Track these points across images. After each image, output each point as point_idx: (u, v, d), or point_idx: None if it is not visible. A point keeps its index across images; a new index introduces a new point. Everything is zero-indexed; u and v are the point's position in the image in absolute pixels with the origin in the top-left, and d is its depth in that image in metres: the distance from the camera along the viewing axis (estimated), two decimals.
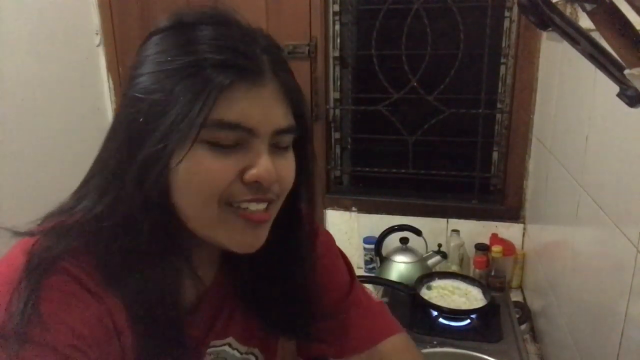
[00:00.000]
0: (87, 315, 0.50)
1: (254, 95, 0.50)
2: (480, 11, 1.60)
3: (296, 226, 0.65)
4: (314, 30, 1.69)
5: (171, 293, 0.55)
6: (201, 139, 0.49)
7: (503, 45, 1.64)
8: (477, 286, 1.35)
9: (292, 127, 0.55)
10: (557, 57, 1.31)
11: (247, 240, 0.55)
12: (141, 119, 0.50)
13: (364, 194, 1.84)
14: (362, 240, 1.78)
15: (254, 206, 0.54)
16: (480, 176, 1.72)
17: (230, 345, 0.67)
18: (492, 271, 1.54)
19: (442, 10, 1.62)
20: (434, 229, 1.70)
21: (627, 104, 0.39)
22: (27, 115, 1.50)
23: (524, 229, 1.67)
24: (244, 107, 0.50)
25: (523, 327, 1.36)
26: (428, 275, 1.42)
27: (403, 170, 1.80)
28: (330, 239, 0.82)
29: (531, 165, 1.62)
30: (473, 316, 1.25)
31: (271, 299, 0.67)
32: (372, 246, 1.70)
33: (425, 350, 1.01)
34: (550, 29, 0.39)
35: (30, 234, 0.53)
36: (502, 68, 1.67)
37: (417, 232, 1.61)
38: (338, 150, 1.89)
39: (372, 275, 1.70)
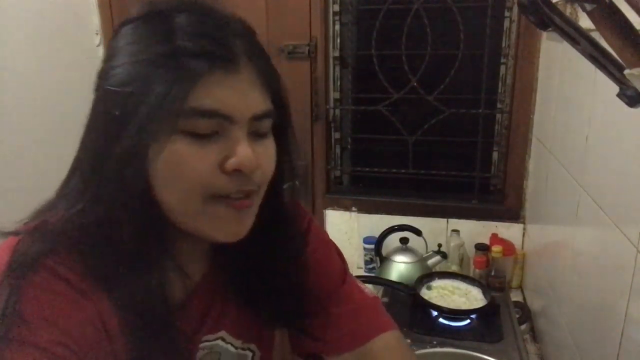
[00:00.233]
0: (74, 314, 0.49)
1: (229, 82, 0.50)
2: (480, 11, 1.60)
3: (280, 216, 0.65)
4: (314, 30, 1.69)
5: (158, 289, 0.54)
6: (179, 129, 0.49)
7: (503, 45, 1.64)
8: (477, 286, 1.35)
9: (269, 112, 0.54)
10: (557, 57, 1.31)
11: (231, 228, 0.55)
12: (117, 112, 0.49)
13: (364, 194, 1.84)
14: (362, 240, 1.78)
15: (237, 195, 0.53)
16: (480, 176, 1.72)
17: (223, 339, 0.67)
18: (492, 271, 1.54)
19: (442, 10, 1.62)
20: (434, 229, 1.70)
21: (627, 104, 0.39)
22: (26, 115, 1.50)
23: (524, 229, 1.67)
24: (221, 94, 0.49)
25: (523, 327, 1.36)
26: (428, 275, 1.42)
27: (403, 170, 1.80)
28: (323, 231, 0.82)
29: (531, 165, 1.62)
30: (473, 316, 1.25)
31: (262, 291, 0.66)
32: (372, 246, 1.70)
33: (425, 351, 1.01)
34: (550, 29, 0.39)
35: (15, 233, 0.52)
36: (502, 68, 1.67)
37: (417, 232, 1.61)
38: (338, 150, 1.89)
39: (372, 275, 1.70)
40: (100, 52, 1.81)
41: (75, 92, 1.69)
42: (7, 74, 1.43)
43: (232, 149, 0.51)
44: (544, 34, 1.48)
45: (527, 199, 1.65)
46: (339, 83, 1.82)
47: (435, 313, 1.26)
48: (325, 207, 1.84)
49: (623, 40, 0.36)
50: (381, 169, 1.83)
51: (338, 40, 1.78)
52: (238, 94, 0.50)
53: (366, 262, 1.78)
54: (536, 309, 1.42)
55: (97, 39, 1.79)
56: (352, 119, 1.88)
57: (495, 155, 1.76)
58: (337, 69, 1.80)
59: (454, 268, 1.60)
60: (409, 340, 1.18)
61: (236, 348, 0.69)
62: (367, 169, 1.86)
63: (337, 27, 1.77)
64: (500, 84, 1.69)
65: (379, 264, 1.66)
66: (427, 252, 1.63)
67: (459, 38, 1.62)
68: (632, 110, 0.41)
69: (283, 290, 0.67)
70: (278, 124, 0.57)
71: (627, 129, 0.78)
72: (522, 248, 1.66)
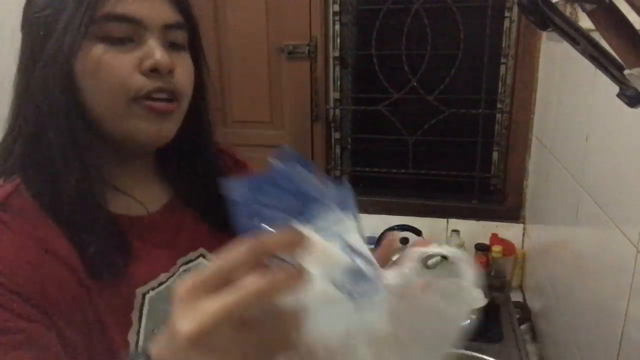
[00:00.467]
0: (12, 240, 0.52)
1: None
2: (480, 11, 1.60)
3: (202, 131, 0.69)
4: (314, 30, 1.69)
5: (92, 198, 0.56)
6: (95, 36, 0.53)
7: (503, 45, 1.64)
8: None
9: (181, 24, 0.59)
10: (557, 57, 1.31)
11: (152, 128, 0.58)
12: (41, 32, 0.54)
13: (364, 194, 1.84)
14: None
15: (157, 95, 0.56)
16: (480, 176, 1.72)
17: (203, 256, 0.69)
18: (492, 271, 1.54)
19: (442, 10, 1.62)
20: (434, 229, 1.70)
21: (627, 104, 0.39)
22: None
23: (524, 229, 1.67)
24: (131, 2, 0.54)
25: (523, 327, 1.36)
26: None
27: (403, 170, 1.80)
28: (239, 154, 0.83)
29: (531, 165, 1.62)
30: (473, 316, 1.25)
31: (209, 202, 0.68)
32: (372, 246, 1.69)
33: None
34: (550, 29, 0.39)
35: None
36: (502, 68, 1.67)
37: (417, 232, 1.61)
38: (338, 150, 1.89)
39: None
40: None
41: None
42: (7, 74, 1.43)
43: (147, 52, 0.55)
44: (544, 34, 1.48)
45: (527, 199, 1.65)
46: (339, 83, 1.82)
47: None
48: None
49: (623, 40, 0.36)
50: (381, 169, 1.83)
51: (338, 40, 1.78)
52: (148, 3, 0.55)
53: None
54: (536, 309, 1.41)
55: None
56: (352, 119, 1.88)
57: (495, 155, 1.76)
58: (337, 69, 1.80)
59: None
60: None
61: None
62: (367, 169, 1.86)
63: (337, 27, 1.76)
64: (500, 84, 1.69)
65: None
66: None
67: (459, 38, 1.62)
68: (632, 110, 0.41)
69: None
70: (191, 40, 0.62)
71: (627, 129, 0.78)
72: (522, 248, 1.66)
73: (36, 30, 0.55)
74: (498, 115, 1.71)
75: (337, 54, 1.79)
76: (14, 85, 0.58)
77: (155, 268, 0.62)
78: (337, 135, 1.87)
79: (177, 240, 0.66)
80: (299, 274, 0.34)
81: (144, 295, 0.59)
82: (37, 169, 0.55)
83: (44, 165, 0.54)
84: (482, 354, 0.96)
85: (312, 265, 0.36)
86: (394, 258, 0.49)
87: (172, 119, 0.60)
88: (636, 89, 0.37)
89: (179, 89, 0.58)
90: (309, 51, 1.70)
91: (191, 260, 0.67)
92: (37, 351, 0.48)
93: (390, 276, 0.42)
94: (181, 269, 0.65)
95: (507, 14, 1.63)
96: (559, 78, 1.28)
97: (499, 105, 1.70)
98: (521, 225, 1.67)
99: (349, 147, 1.90)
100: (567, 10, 0.92)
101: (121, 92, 0.55)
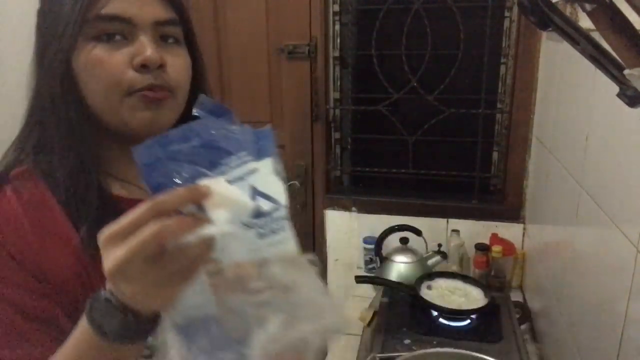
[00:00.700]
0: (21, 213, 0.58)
1: None
2: (480, 11, 1.60)
3: None
4: (314, 30, 1.69)
5: (89, 180, 0.60)
6: (90, 35, 0.57)
7: (503, 45, 1.64)
8: (477, 286, 1.35)
9: (173, 20, 0.61)
10: (557, 57, 1.31)
11: (145, 115, 0.60)
12: (45, 34, 0.60)
13: (364, 194, 1.84)
14: (362, 240, 1.78)
15: (148, 90, 0.59)
16: (480, 176, 1.72)
17: None
18: (492, 271, 1.54)
19: (442, 10, 1.62)
20: (434, 229, 1.70)
21: (627, 104, 0.39)
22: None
23: (524, 229, 1.67)
24: (120, 3, 0.57)
25: (523, 327, 1.36)
26: (428, 275, 1.42)
27: (403, 170, 1.80)
28: None
29: (531, 165, 1.62)
30: (473, 316, 1.25)
31: None
32: (372, 246, 1.70)
33: (425, 351, 1.01)
34: (550, 29, 0.39)
35: None
36: (502, 68, 1.67)
37: (417, 232, 1.61)
38: (338, 150, 1.89)
39: (372, 275, 1.70)
40: None
41: None
42: (7, 74, 1.43)
43: (138, 49, 0.58)
44: (544, 34, 1.48)
45: (527, 199, 1.65)
46: (339, 83, 1.82)
47: (435, 313, 1.26)
48: (325, 207, 1.84)
49: (623, 40, 0.36)
50: (381, 169, 1.83)
51: (338, 40, 1.78)
52: (137, 3, 0.58)
53: (366, 262, 1.79)
54: (536, 309, 1.42)
55: None
56: (352, 119, 1.88)
57: (495, 155, 1.76)
58: (337, 69, 1.80)
59: (454, 268, 1.60)
60: (408, 340, 1.18)
61: None
62: (367, 169, 1.86)
63: (337, 27, 1.77)
64: (500, 84, 1.69)
65: (379, 264, 1.66)
66: (427, 252, 1.63)
67: (459, 38, 1.62)
68: (632, 110, 0.41)
69: None
70: (186, 34, 0.64)
71: (627, 129, 0.78)
72: (522, 248, 1.66)
73: (42, 32, 0.61)
74: (498, 115, 1.72)
75: (337, 54, 1.79)
76: (29, 82, 0.63)
77: None
78: (337, 135, 1.87)
79: None
80: (193, 221, 0.42)
81: None
82: (44, 155, 0.61)
83: (48, 152, 0.60)
84: (482, 354, 0.96)
85: (220, 210, 0.43)
86: None
87: (167, 107, 0.61)
88: (636, 89, 0.37)
89: (171, 83, 0.61)
90: (309, 51, 1.70)
91: None
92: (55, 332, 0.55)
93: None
94: None
95: (507, 14, 1.63)
96: (559, 78, 1.28)
97: (499, 105, 1.71)
98: (521, 225, 1.67)
99: (349, 147, 1.90)
100: (567, 10, 0.92)
101: (115, 87, 0.58)
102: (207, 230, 0.42)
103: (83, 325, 0.48)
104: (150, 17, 0.59)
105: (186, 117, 0.64)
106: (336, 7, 1.74)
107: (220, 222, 0.43)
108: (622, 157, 0.80)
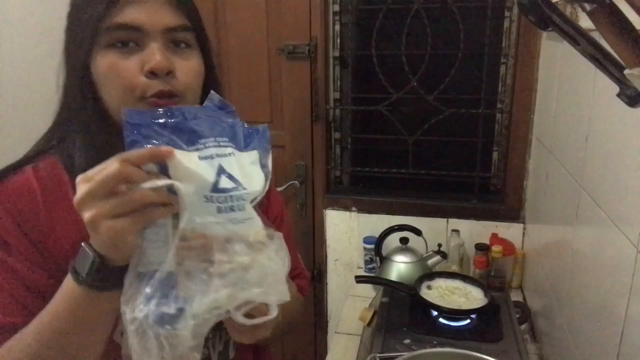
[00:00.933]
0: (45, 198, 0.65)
1: (140, 3, 0.61)
2: (480, 11, 1.60)
3: None
4: (314, 30, 1.69)
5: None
6: (104, 43, 0.61)
7: (503, 45, 1.64)
8: (477, 286, 1.35)
9: (184, 26, 0.64)
10: (557, 57, 1.31)
11: None
12: (67, 43, 0.66)
13: (364, 194, 1.84)
14: (362, 240, 1.78)
15: (158, 99, 0.63)
16: (480, 176, 1.72)
17: None
18: (492, 271, 1.54)
19: (442, 10, 1.62)
20: (434, 229, 1.70)
21: (627, 104, 0.39)
22: (26, 117, 1.50)
23: (524, 229, 1.67)
24: (132, 12, 0.61)
25: (523, 327, 1.36)
26: (428, 275, 1.42)
27: (403, 170, 1.80)
28: (285, 210, 0.93)
29: (531, 165, 1.62)
30: (473, 316, 1.25)
31: None
32: (372, 246, 1.70)
33: (425, 351, 1.01)
34: (550, 29, 0.39)
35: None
36: (502, 68, 1.67)
37: (417, 232, 1.61)
38: (338, 150, 1.89)
39: (372, 275, 1.70)
40: None
41: None
42: (7, 75, 1.43)
43: (148, 56, 0.61)
44: (544, 34, 1.48)
45: (527, 199, 1.65)
46: (339, 83, 1.82)
47: (435, 313, 1.26)
48: (325, 207, 1.84)
49: (623, 40, 0.36)
50: (381, 169, 1.83)
51: (338, 40, 1.78)
52: (149, 11, 0.61)
53: (366, 262, 1.79)
54: (536, 309, 1.42)
55: None
56: (352, 119, 1.88)
57: (495, 155, 1.76)
58: (337, 69, 1.81)
59: (454, 268, 1.60)
60: (408, 340, 1.18)
61: None
62: (367, 169, 1.86)
63: (337, 27, 1.77)
64: (500, 84, 1.69)
65: (379, 264, 1.66)
66: (427, 252, 1.63)
67: (459, 38, 1.62)
68: (632, 110, 0.41)
69: None
70: (198, 38, 0.67)
71: (627, 129, 0.78)
72: (522, 248, 1.66)
73: (67, 36, 0.66)
74: (498, 115, 1.72)
75: (337, 54, 1.79)
76: (58, 81, 0.69)
77: None
78: (337, 135, 1.87)
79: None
80: (149, 174, 0.50)
81: None
82: (67, 148, 0.66)
83: (71, 145, 0.66)
84: (482, 354, 0.95)
85: (183, 179, 0.50)
86: None
87: None
88: (636, 89, 0.37)
89: (179, 88, 0.63)
90: (309, 51, 1.70)
91: None
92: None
93: None
94: None
95: (507, 14, 1.63)
96: (559, 78, 1.28)
97: (499, 105, 1.71)
98: (521, 225, 1.67)
99: (349, 147, 1.90)
100: (567, 10, 0.92)
101: (128, 92, 0.61)
102: (159, 182, 0.50)
103: (67, 278, 0.56)
104: (161, 24, 0.62)
105: None
106: (336, 7, 1.74)
107: (181, 188, 0.50)
108: (622, 157, 0.80)
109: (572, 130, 1.10)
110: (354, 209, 1.81)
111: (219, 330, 0.77)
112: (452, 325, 1.25)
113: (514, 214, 1.68)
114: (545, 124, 1.45)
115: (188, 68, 0.65)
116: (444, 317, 1.26)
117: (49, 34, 1.58)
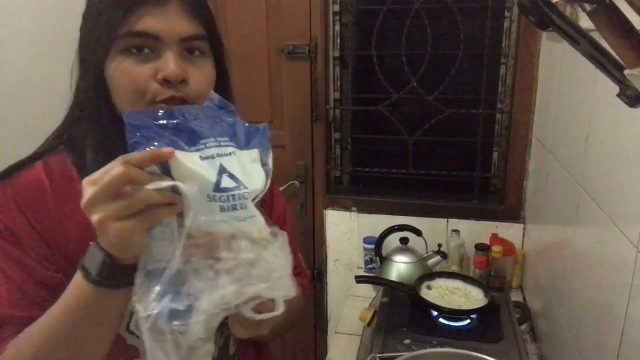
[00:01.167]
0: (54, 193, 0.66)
1: (157, 11, 0.62)
2: (480, 11, 1.60)
3: None
4: (314, 30, 1.69)
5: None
6: (120, 49, 0.62)
7: (503, 45, 1.64)
8: (477, 286, 1.35)
9: (199, 35, 0.65)
10: (557, 57, 1.31)
11: None
12: (82, 47, 0.66)
13: (364, 194, 1.84)
14: (362, 240, 1.78)
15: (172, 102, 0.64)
16: (480, 176, 1.72)
17: None
18: (492, 271, 1.54)
19: (442, 10, 1.62)
20: (434, 229, 1.70)
21: (627, 104, 0.39)
22: (27, 116, 1.50)
23: (524, 229, 1.67)
24: (149, 20, 0.61)
25: (523, 327, 1.36)
26: (428, 275, 1.42)
27: (403, 170, 1.80)
28: (289, 212, 0.93)
29: (531, 165, 1.62)
30: (473, 316, 1.25)
31: None
32: (372, 246, 1.70)
33: (425, 351, 1.01)
34: (550, 29, 0.39)
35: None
36: (502, 68, 1.67)
37: (417, 232, 1.61)
38: (338, 150, 1.89)
39: (372, 275, 1.70)
40: None
41: None
42: (8, 75, 1.43)
43: (162, 63, 0.62)
44: (544, 34, 1.48)
45: (527, 199, 1.65)
46: (339, 83, 1.82)
47: (435, 313, 1.26)
48: (325, 207, 1.84)
49: (623, 40, 0.36)
50: (381, 169, 1.83)
51: (338, 40, 1.78)
52: (165, 20, 0.62)
53: (366, 262, 1.79)
54: (536, 309, 1.42)
55: None
56: (352, 119, 1.88)
57: (495, 155, 1.76)
58: (337, 69, 1.80)
59: (454, 268, 1.60)
60: (408, 340, 1.18)
61: None
62: (367, 169, 1.86)
63: (337, 27, 1.77)
64: (500, 84, 1.69)
65: (379, 264, 1.66)
66: (427, 252, 1.63)
67: (459, 38, 1.62)
68: (632, 110, 0.41)
69: None
70: (214, 49, 0.69)
71: (627, 129, 0.78)
72: (522, 248, 1.66)
73: (82, 38, 0.67)
74: (498, 115, 1.72)
75: (337, 54, 1.79)
76: (72, 81, 0.70)
77: None
78: (337, 135, 1.87)
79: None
80: (152, 175, 0.51)
81: None
82: (77, 146, 0.67)
83: (81, 144, 0.67)
84: (482, 354, 0.96)
85: (186, 179, 0.52)
86: None
87: None
88: (636, 89, 0.37)
89: (191, 95, 0.64)
90: (309, 51, 1.70)
91: None
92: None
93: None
94: None
95: (507, 14, 1.63)
96: (559, 78, 1.28)
97: (499, 105, 1.71)
98: (521, 225, 1.67)
99: (349, 147, 1.90)
100: (567, 10, 0.92)
101: (140, 97, 0.62)
102: (162, 184, 0.51)
103: (77, 275, 0.56)
104: (177, 33, 0.63)
105: None
106: (336, 7, 1.74)
107: (184, 188, 0.51)
108: (622, 157, 0.80)
109: (572, 130, 1.10)
110: (354, 209, 1.81)
111: (220, 325, 0.78)
112: (452, 326, 1.25)
113: (514, 214, 1.68)
114: (545, 124, 1.45)
115: (201, 76, 0.66)
116: (444, 317, 1.26)
117: (49, 34, 1.58)
